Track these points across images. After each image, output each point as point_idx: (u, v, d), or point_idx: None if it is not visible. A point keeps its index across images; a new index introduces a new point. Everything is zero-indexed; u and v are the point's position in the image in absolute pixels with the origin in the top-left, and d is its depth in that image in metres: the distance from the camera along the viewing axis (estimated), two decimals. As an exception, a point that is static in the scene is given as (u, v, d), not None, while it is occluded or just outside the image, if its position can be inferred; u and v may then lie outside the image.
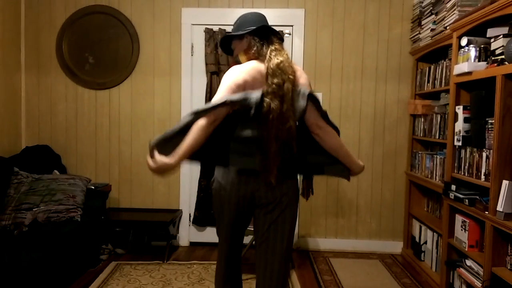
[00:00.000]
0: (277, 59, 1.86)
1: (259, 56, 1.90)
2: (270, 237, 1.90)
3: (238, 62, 1.99)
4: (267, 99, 1.79)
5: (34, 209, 2.94)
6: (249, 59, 1.94)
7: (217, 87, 3.45)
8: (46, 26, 3.79)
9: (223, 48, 2.13)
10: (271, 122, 1.79)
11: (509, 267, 2.23)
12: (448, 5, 2.88)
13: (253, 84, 1.84)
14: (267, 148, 1.80)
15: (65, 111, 3.84)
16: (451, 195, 2.68)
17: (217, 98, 1.80)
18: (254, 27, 1.94)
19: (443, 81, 3.05)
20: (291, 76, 1.86)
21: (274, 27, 3.57)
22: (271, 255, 1.90)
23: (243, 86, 1.82)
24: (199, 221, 3.78)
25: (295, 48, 3.71)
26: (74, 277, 3.02)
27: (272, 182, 1.82)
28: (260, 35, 1.94)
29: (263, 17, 2.04)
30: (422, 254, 3.38)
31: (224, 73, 1.92)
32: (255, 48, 1.92)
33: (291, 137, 1.84)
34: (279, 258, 1.90)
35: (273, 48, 1.90)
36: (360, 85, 3.74)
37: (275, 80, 1.81)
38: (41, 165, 3.52)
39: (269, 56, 1.87)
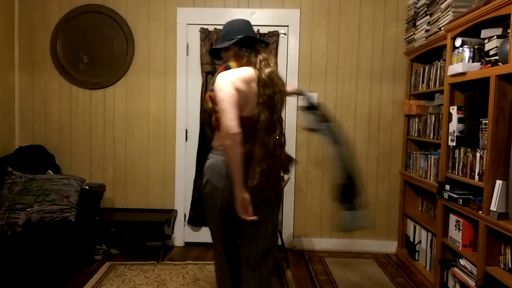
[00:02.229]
0: (268, 69, 1.91)
1: (250, 65, 1.95)
2: (255, 235, 2.01)
3: (228, 67, 2.02)
4: (257, 110, 1.87)
5: (27, 209, 2.92)
6: (240, 66, 1.98)
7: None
8: (40, 25, 3.76)
9: (213, 56, 2.20)
10: (259, 132, 1.87)
11: (502, 266, 2.24)
12: (443, 6, 2.89)
13: (247, 91, 1.88)
14: (253, 155, 1.87)
15: (59, 111, 3.81)
16: (445, 195, 2.70)
17: (226, 116, 1.80)
18: (239, 37, 1.98)
19: (438, 81, 3.07)
20: (282, 88, 1.96)
21: (270, 27, 3.65)
22: (254, 250, 2.02)
23: (238, 95, 1.85)
24: (194, 221, 3.77)
25: (290, 48, 3.71)
26: (68, 278, 3.00)
27: (254, 187, 1.86)
28: (246, 45, 1.98)
29: (247, 25, 2.07)
30: (417, 253, 3.39)
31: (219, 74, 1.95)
32: (245, 58, 1.97)
33: (277, 144, 1.94)
34: (261, 253, 2.02)
35: (261, 58, 1.94)
36: (355, 86, 3.75)
37: (267, 91, 1.88)
38: (35, 165, 3.50)
39: (260, 66, 1.91)
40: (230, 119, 1.79)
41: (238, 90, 1.85)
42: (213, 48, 2.15)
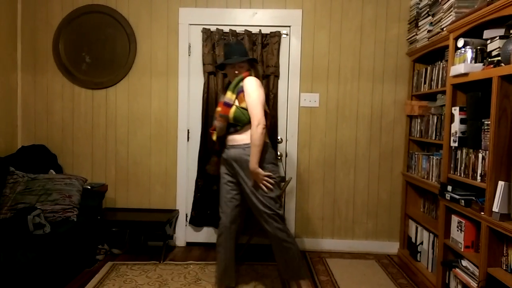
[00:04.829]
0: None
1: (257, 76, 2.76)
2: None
3: (251, 75, 2.73)
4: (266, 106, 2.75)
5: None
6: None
7: (215, 87, 3.63)
8: (42, 25, 3.77)
9: (219, 67, 2.99)
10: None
11: (504, 268, 2.24)
12: (445, 6, 2.89)
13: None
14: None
15: (61, 111, 3.82)
16: (447, 196, 2.69)
17: (259, 107, 2.57)
18: (250, 58, 2.82)
19: (440, 82, 3.06)
20: None
21: (272, 28, 3.78)
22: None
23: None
24: (196, 221, 3.77)
25: (292, 49, 3.71)
26: (70, 277, 3.01)
27: None
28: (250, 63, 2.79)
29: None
30: (418, 254, 3.39)
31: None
32: (253, 71, 2.75)
33: None
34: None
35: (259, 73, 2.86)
36: (357, 86, 3.75)
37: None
38: (37, 165, 3.51)
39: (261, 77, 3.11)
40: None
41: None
42: (250, 59, 2.75)
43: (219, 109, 2.68)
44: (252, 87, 2.57)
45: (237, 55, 2.69)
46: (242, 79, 2.63)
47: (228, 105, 2.59)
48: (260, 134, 2.50)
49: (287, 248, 2.63)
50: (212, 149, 2.87)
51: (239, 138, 2.63)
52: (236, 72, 2.71)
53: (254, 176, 2.55)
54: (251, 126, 2.55)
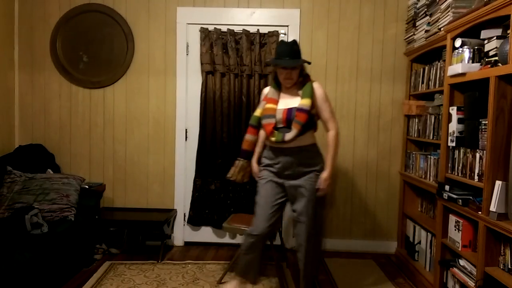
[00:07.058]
0: None
1: None
2: None
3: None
4: None
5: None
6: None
7: (213, 86, 3.58)
8: (40, 24, 3.76)
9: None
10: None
11: (502, 267, 2.25)
12: (443, 6, 2.89)
13: None
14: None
15: (59, 110, 3.81)
16: (445, 195, 2.70)
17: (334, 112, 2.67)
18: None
19: (437, 82, 3.07)
20: None
21: (269, 27, 3.72)
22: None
23: None
24: (194, 221, 3.77)
25: (290, 48, 3.71)
26: (68, 277, 3.00)
27: None
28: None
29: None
30: (416, 254, 3.39)
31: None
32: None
33: None
34: None
35: None
36: (355, 86, 3.75)
37: None
38: (35, 164, 3.50)
39: None
40: None
41: None
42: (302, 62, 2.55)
43: (272, 107, 2.55)
44: (324, 92, 2.59)
45: (298, 56, 2.57)
46: (311, 84, 2.56)
47: (305, 112, 2.48)
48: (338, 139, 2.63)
49: None
50: (245, 152, 2.67)
51: (307, 140, 2.60)
52: (291, 75, 2.55)
53: (327, 182, 2.55)
54: (310, 130, 2.59)
